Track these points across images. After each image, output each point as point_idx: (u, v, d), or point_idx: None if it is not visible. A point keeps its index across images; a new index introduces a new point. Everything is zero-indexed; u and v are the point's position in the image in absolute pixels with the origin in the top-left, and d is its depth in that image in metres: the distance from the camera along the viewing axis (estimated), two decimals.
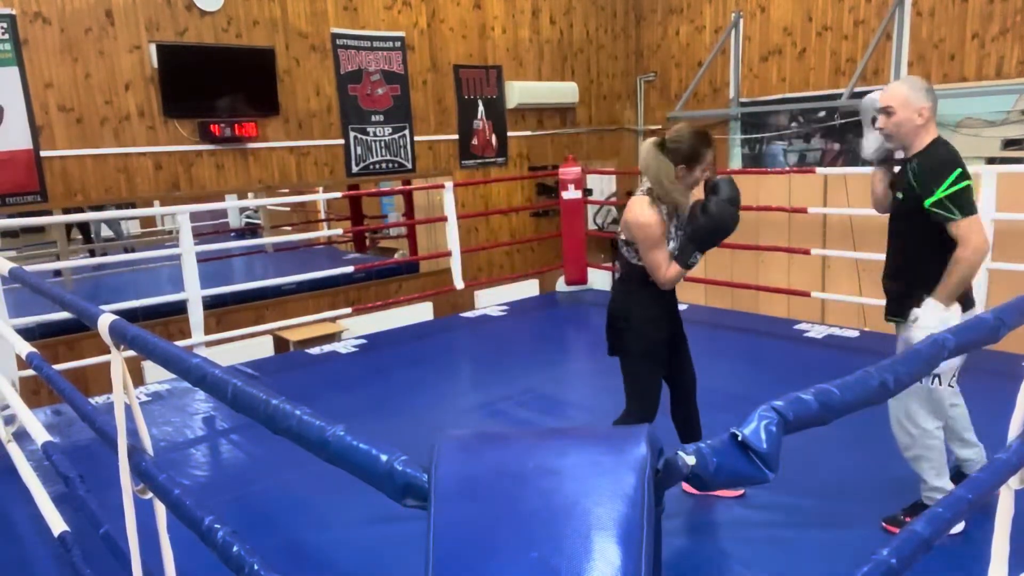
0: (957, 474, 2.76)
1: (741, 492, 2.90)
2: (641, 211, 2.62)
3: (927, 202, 2.39)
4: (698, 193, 2.73)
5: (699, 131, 2.65)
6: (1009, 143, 5.73)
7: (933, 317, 2.42)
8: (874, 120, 2.56)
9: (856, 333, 4.98)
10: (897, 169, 2.65)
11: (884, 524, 2.64)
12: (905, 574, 1.06)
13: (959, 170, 2.37)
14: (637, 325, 2.77)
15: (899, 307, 2.59)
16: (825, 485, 2.95)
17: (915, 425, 2.54)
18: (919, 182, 2.41)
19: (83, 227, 9.85)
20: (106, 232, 10.33)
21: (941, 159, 2.41)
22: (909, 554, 1.08)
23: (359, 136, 6.23)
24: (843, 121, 6.70)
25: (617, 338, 2.86)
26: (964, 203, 2.36)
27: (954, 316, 2.43)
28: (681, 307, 6.39)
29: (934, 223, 2.41)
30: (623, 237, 2.74)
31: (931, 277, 2.45)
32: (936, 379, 2.50)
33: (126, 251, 9.54)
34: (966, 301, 2.54)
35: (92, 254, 9.69)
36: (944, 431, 2.62)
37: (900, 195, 2.52)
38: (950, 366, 2.48)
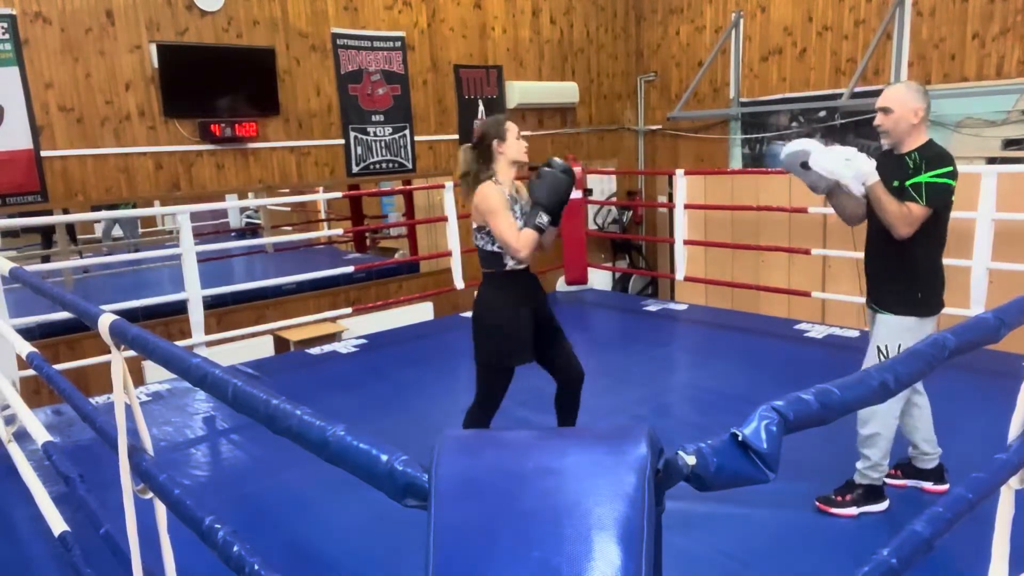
0: (907, 465, 2.91)
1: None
2: (482, 188, 2.80)
3: (910, 181, 2.55)
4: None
5: (494, 116, 2.99)
6: (1009, 143, 5.73)
7: (857, 159, 2.57)
8: (804, 165, 2.70)
9: (856, 333, 4.98)
10: (875, 164, 2.72)
11: (818, 504, 2.77)
12: (905, 574, 1.06)
13: (952, 167, 2.55)
14: (490, 321, 2.86)
15: (894, 302, 2.71)
16: (826, 486, 2.94)
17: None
18: (916, 166, 2.57)
19: (68, 228, 9.78)
20: (116, 232, 10.34)
21: (941, 153, 2.59)
22: (909, 554, 1.08)
23: (359, 136, 6.23)
24: (843, 121, 6.70)
25: (476, 339, 2.94)
26: (934, 196, 2.54)
27: (852, 178, 2.57)
28: (681, 307, 6.40)
29: (932, 222, 2.57)
30: (475, 226, 2.86)
31: (912, 267, 2.63)
32: (884, 358, 2.64)
33: (135, 250, 9.54)
34: (933, 303, 2.69)
35: (80, 255, 9.67)
36: (912, 424, 2.79)
37: (896, 183, 2.61)
38: (904, 341, 2.61)
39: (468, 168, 2.89)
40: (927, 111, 2.61)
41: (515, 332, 2.83)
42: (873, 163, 2.60)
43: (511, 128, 2.89)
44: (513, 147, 2.86)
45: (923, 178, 2.54)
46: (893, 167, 2.63)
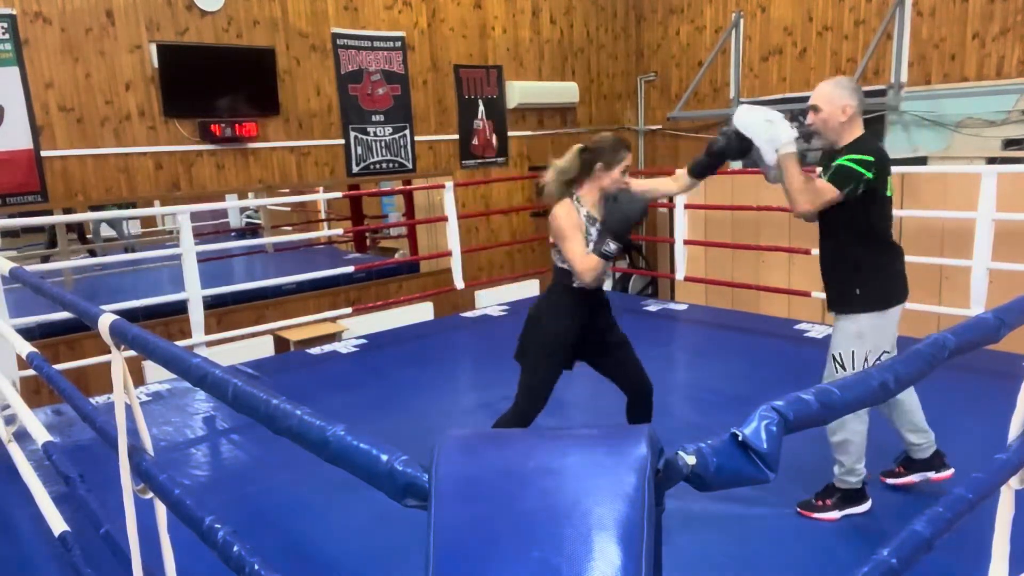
0: (907, 459, 2.86)
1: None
2: (557, 208, 2.75)
3: (840, 160, 2.52)
4: None
5: (619, 138, 2.81)
6: (1009, 143, 5.72)
7: (783, 122, 2.60)
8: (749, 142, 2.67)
9: None
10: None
11: (799, 509, 2.75)
12: (905, 574, 1.06)
13: (871, 158, 2.51)
14: (545, 326, 2.83)
15: (836, 301, 2.70)
16: (824, 485, 2.94)
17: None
18: (841, 158, 2.55)
19: (77, 228, 9.83)
20: (107, 232, 10.34)
21: (868, 144, 2.57)
22: (909, 554, 1.08)
23: (359, 136, 6.23)
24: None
25: (523, 338, 2.91)
26: (839, 176, 2.51)
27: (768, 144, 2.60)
28: (681, 307, 6.39)
29: (854, 215, 2.55)
30: (551, 239, 2.82)
31: (860, 267, 2.60)
32: (839, 366, 2.62)
33: (127, 251, 9.54)
34: (894, 292, 2.65)
35: (92, 254, 9.69)
36: (894, 416, 2.76)
37: (823, 175, 2.61)
38: (861, 352, 2.59)
39: (563, 175, 2.78)
40: (858, 107, 2.59)
41: (559, 338, 2.80)
42: (794, 133, 2.59)
43: (623, 161, 2.75)
44: (611, 180, 2.75)
45: (839, 161, 2.52)
46: (830, 163, 2.62)
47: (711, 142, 2.75)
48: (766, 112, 2.61)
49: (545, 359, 2.85)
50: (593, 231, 2.76)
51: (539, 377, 2.88)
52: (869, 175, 2.50)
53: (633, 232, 2.75)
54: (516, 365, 2.93)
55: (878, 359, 2.59)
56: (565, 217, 2.71)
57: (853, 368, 2.59)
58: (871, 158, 2.50)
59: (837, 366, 2.64)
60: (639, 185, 2.85)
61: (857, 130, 2.61)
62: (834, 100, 2.59)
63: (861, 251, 2.61)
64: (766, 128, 2.57)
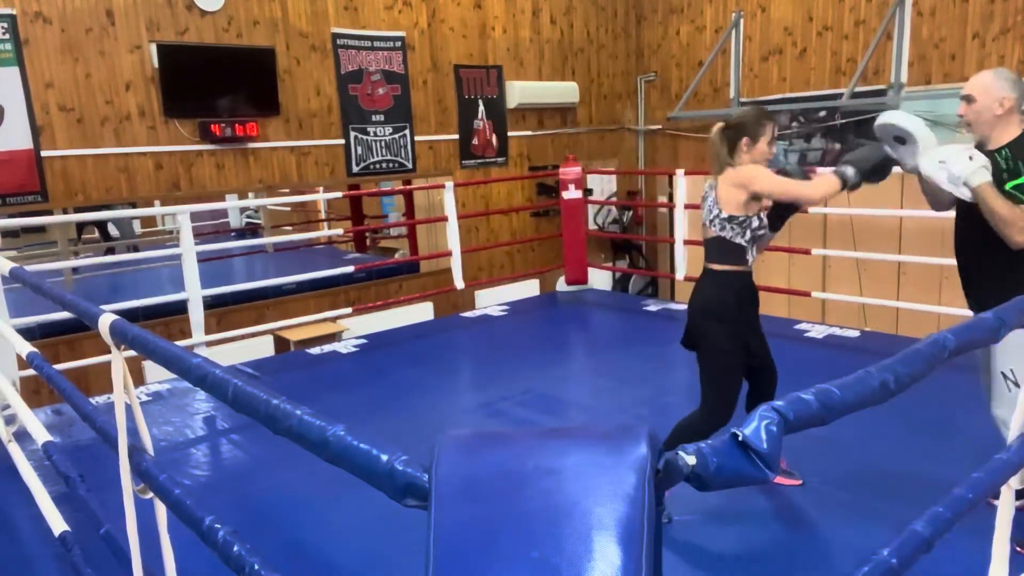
0: None
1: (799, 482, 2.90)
2: (736, 170, 2.65)
3: (1009, 184, 2.35)
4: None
5: (761, 108, 2.75)
6: None
7: (957, 157, 2.40)
8: (901, 140, 2.54)
9: (856, 333, 4.98)
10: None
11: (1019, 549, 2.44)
12: (905, 574, 1.06)
13: None
14: (722, 313, 2.71)
15: (978, 302, 2.56)
16: (824, 485, 2.94)
17: None
18: (1010, 169, 2.37)
19: (101, 226, 9.88)
20: (112, 231, 10.35)
21: None
22: (909, 554, 1.08)
23: (359, 136, 6.23)
24: (844, 121, 6.70)
25: (698, 329, 2.78)
26: None
27: (960, 178, 2.40)
28: (681, 307, 6.38)
29: None
30: (724, 215, 2.69)
31: (1006, 269, 2.42)
32: (1012, 384, 2.41)
33: (131, 250, 9.55)
34: None
35: (111, 252, 9.70)
36: None
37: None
38: None
39: (716, 153, 2.73)
40: (1018, 102, 2.39)
41: (741, 336, 2.72)
42: (978, 162, 2.36)
43: (767, 131, 2.67)
44: (760, 153, 2.67)
45: (1022, 180, 2.32)
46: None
47: (852, 153, 2.61)
48: (937, 153, 2.45)
49: (726, 352, 2.71)
50: (755, 218, 2.67)
51: (725, 373, 2.73)
52: None
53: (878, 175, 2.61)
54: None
55: None
56: (753, 164, 2.61)
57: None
58: None
59: (1010, 384, 2.44)
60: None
61: (1014, 128, 2.42)
62: (992, 91, 2.38)
63: None
64: (942, 169, 2.41)
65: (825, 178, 2.57)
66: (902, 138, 2.55)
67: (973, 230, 2.51)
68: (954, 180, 2.38)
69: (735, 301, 2.72)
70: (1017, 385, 2.43)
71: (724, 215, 2.70)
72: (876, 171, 2.60)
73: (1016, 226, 2.32)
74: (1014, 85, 2.40)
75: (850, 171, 2.53)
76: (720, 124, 2.74)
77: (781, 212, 2.80)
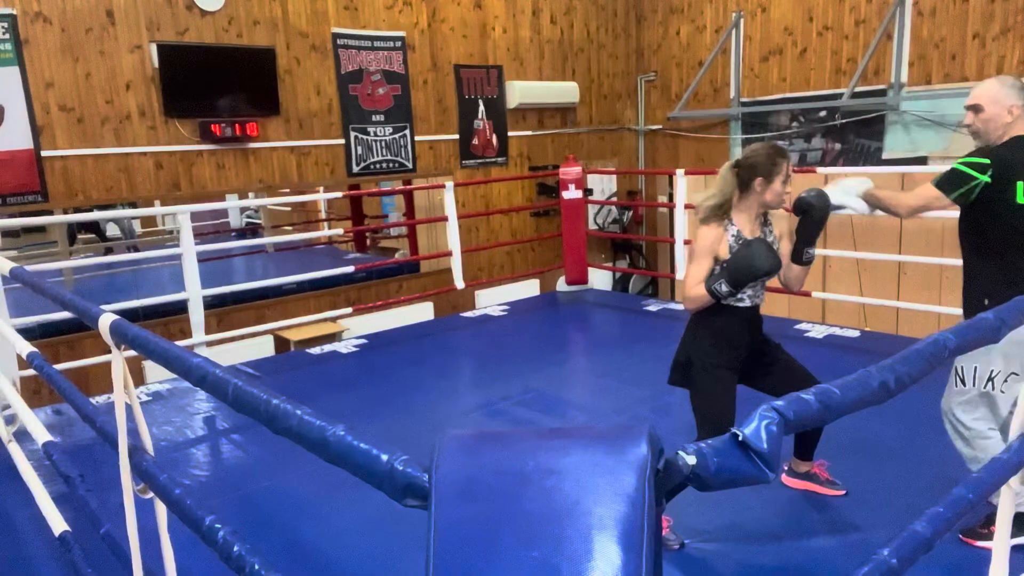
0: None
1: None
2: (700, 228, 2.62)
3: (955, 163, 2.40)
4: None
5: (774, 146, 2.64)
6: None
7: (851, 185, 2.59)
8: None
9: (856, 333, 4.98)
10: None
11: (961, 536, 2.49)
12: (905, 574, 1.06)
13: (986, 160, 2.34)
14: (698, 353, 2.67)
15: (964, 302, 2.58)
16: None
17: (964, 426, 2.49)
18: (971, 155, 2.40)
19: (95, 227, 9.88)
20: (111, 231, 10.36)
21: (994, 148, 2.39)
22: (909, 554, 1.08)
23: (360, 136, 6.23)
24: (844, 121, 6.70)
25: (679, 365, 2.77)
26: (946, 178, 2.41)
27: (851, 201, 2.61)
28: (681, 307, 6.37)
29: (977, 221, 2.43)
30: None
31: (981, 275, 2.45)
32: (960, 381, 2.45)
33: (130, 250, 9.55)
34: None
35: (109, 252, 9.71)
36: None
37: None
38: (981, 363, 2.39)
39: (718, 198, 2.60)
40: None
41: (719, 357, 2.66)
42: (855, 181, 2.58)
43: (782, 170, 2.58)
44: (773, 193, 2.59)
45: (956, 163, 2.37)
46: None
47: (731, 268, 2.56)
48: (832, 187, 2.66)
49: (711, 380, 2.66)
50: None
51: (711, 399, 2.66)
52: (980, 178, 2.33)
53: (755, 282, 2.58)
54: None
55: (1005, 381, 2.39)
56: (701, 238, 2.59)
57: (974, 386, 2.42)
58: (986, 160, 2.33)
59: (957, 379, 2.47)
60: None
61: (1017, 130, 2.40)
62: (1000, 100, 2.37)
63: (987, 263, 2.44)
64: (844, 197, 2.60)
65: (697, 289, 2.56)
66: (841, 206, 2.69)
67: (963, 224, 2.58)
68: (848, 194, 2.58)
69: (711, 344, 2.65)
70: (963, 383, 2.46)
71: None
72: (752, 276, 2.50)
73: (900, 204, 2.56)
74: (1020, 92, 2.39)
75: (723, 289, 2.50)
76: (731, 162, 2.64)
77: (804, 239, 2.71)
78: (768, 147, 2.61)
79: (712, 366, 2.64)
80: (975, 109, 2.43)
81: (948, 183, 2.41)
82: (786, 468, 2.94)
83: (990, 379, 2.39)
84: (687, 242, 6.12)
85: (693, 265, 2.59)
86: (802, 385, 2.79)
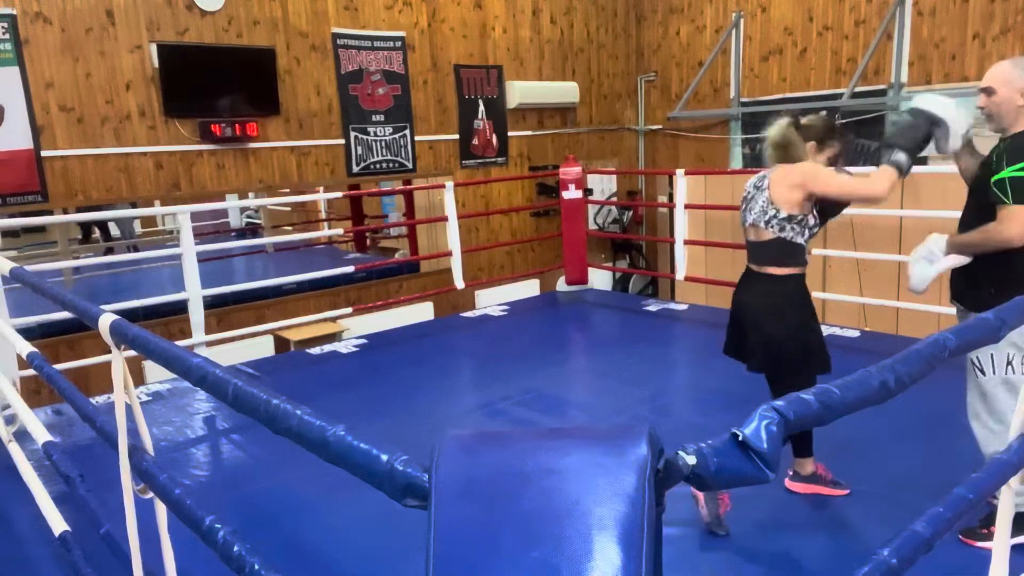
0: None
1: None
2: (794, 166, 2.56)
3: (993, 178, 2.34)
4: None
5: (834, 120, 2.67)
6: None
7: (928, 248, 2.46)
8: (936, 123, 2.51)
9: (856, 333, 4.98)
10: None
11: (960, 537, 2.49)
12: (905, 574, 1.06)
13: None
14: (792, 323, 2.62)
15: (956, 293, 2.59)
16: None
17: (996, 420, 2.46)
18: (998, 158, 2.37)
19: (100, 226, 9.89)
20: (112, 231, 10.38)
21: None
22: (909, 554, 1.08)
23: (360, 136, 6.23)
24: (844, 121, 6.70)
25: (760, 332, 2.67)
26: (1021, 190, 2.30)
27: (943, 261, 2.48)
28: (681, 307, 6.39)
29: (992, 204, 2.37)
30: (783, 214, 2.61)
31: (990, 262, 2.41)
32: (979, 371, 2.45)
33: (130, 250, 9.55)
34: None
35: (110, 252, 9.71)
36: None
37: (981, 172, 2.46)
38: (997, 352, 2.39)
39: (785, 147, 2.61)
40: None
41: (820, 347, 2.62)
42: (939, 240, 2.44)
43: (836, 147, 2.62)
44: (819, 160, 2.61)
45: (1005, 174, 2.30)
46: (992, 150, 2.45)
47: (896, 133, 2.51)
48: (936, 248, 2.50)
49: (807, 365, 2.61)
50: (808, 215, 2.57)
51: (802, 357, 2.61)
52: None
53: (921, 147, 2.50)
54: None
55: (1023, 364, 2.40)
56: (812, 163, 2.51)
57: (994, 373, 2.43)
58: None
59: (976, 371, 2.48)
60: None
61: None
62: (1013, 82, 2.35)
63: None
64: (930, 255, 2.48)
65: (883, 171, 2.46)
66: (936, 121, 2.52)
67: (971, 201, 2.54)
68: (956, 126, 2.44)
69: (802, 303, 2.66)
70: (983, 372, 2.45)
71: (783, 215, 2.62)
72: (920, 146, 2.52)
73: (1003, 233, 2.32)
74: None
75: (903, 157, 2.44)
76: (788, 119, 2.63)
77: (826, 210, 2.72)
78: (831, 121, 2.64)
79: (811, 340, 2.59)
80: (988, 92, 2.41)
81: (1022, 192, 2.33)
82: (790, 473, 2.89)
83: (1008, 363, 2.40)
84: (687, 242, 6.11)
85: (839, 178, 2.50)
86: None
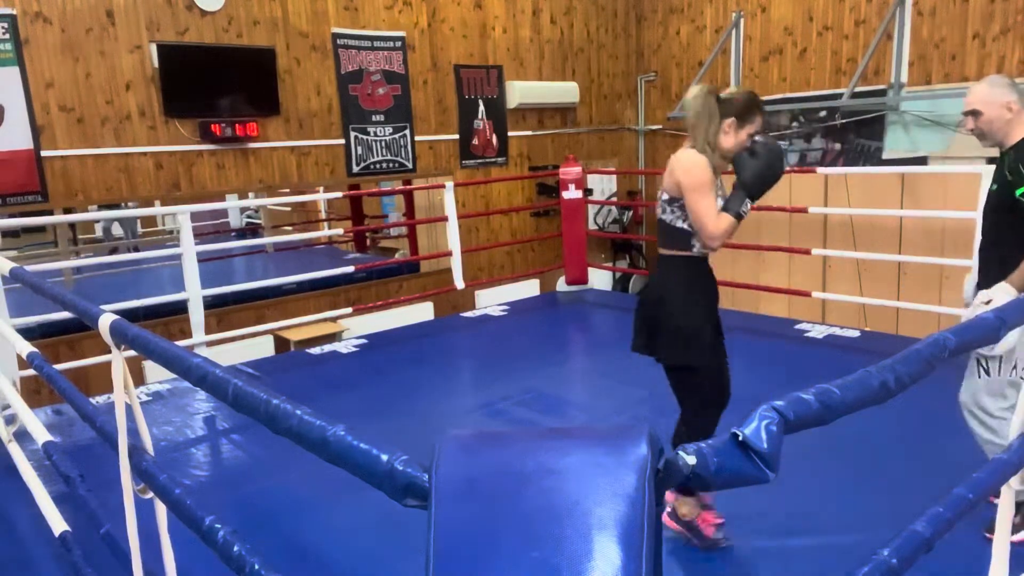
0: None
1: None
2: (689, 156, 2.41)
3: (1019, 191, 2.37)
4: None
5: (756, 94, 2.52)
6: None
7: (1003, 298, 2.38)
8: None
9: (857, 333, 4.98)
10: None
11: (986, 534, 2.47)
12: (905, 574, 1.06)
13: None
14: (681, 307, 2.48)
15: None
16: (827, 486, 2.95)
17: (990, 414, 2.49)
18: (1012, 172, 2.40)
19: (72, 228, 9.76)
20: (116, 231, 10.37)
21: None
22: (909, 554, 1.08)
23: (360, 136, 6.23)
24: (844, 121, 6.70)
25: (655, 329, 2.54)
26: None
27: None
28: None
29: (1020, 213, 2.39)
30: (665, 196, 2.50)
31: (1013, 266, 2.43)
32: (984, 371, 2.46)
33: (131, 250, 9.54)
34: None
35: (114, 251, 9.70)
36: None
37: (995, 186, 2.49)
38: (1004, 354, 2.39)
39: (696, 117, 2.42)
40: (1020, 99, 2.43)
41: (702, 333, 2.49)
42: (1009, 292, 2.34)
43: (756, 123, 2.44)
44: (739, 142, 2.43)
45: None
46: (996, 167, 2.48)
47: (755, 178, 2.41)
48: (1007, 297, 2.35)
49: (694, 348, 2.48)
50: (718, 189, 2.44)
51: (700, 371, 2.51)
52: None
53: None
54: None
55: None
56: (701, 169, 2.36)
57: (999, 375, 2.44)
58: None
59: (980, 370, 2.49)
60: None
61: (1022, 125, 2.46)
62: (995, 100, 2.44)
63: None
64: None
65: (725, 218, 2.38)
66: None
67: (993, 218, 2.53)
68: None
69: (687, 287, 2.51)
70: (987, 373, 2.46)
71: (665, 196, 2.52)
72: (771, 183, 2.42)
73: None
74: (1011, 87, 2.45)
75: (747, 206, 2.37)
76: (706, 86, 2.47)
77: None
78: (751, 94, 2.48)
79: (706, 333, 2.48)
80: (974, 114, 2.49)
81: None
82: (668, 510, 2.66)
83: (1014, 367, 2.43)
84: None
85: (705, 199, 2.36)
86: (727, 387, 2.62)
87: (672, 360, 2.56)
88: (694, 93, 2.46)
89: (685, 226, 2.46)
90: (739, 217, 2.39)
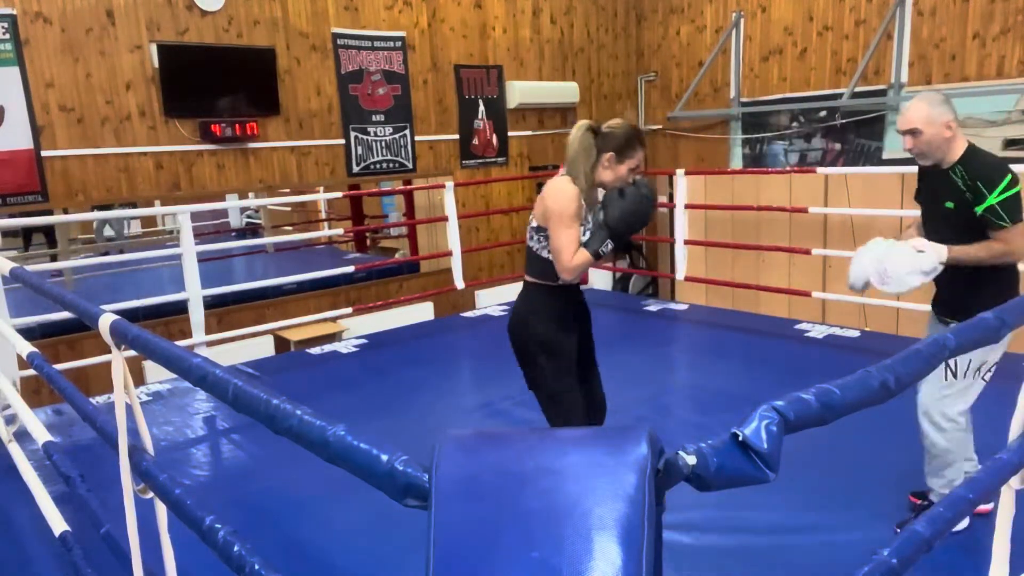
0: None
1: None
2: (560, 184, 2.40)
3: (979, 208, 2.41)
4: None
5: (637, 128, 2.52)
6: (1010, 143, 5.72)
7: (933, 255, 2.44)
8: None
9: (857, 333, 4.98)
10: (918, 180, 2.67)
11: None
12: (905, 574, 1.06)
13: (1009, 176, 2.40)
14: (542, 331, 2.50)
15: (950, 310, 2.61)
16: (828, 487, 2.95)
17: (948, 419, 2.52)
18: (970, 189, 2.43)
19: (46, 232, 9.50)
20: (107, 232, 10.35)
21: (990, 164, 2.45)
22: (910, 554, 1.08)
23: (360, 136, 6.23)
24: (844, 121, 6.70)
25: (523, 352, 2.60)
26: (1013, 209, 2.40)
27: (934, 273, 2.46)
28: (681, 307, 6.38)
29: (982, 228, 2.43)
30: (534, 224, 2.48)
31: (982, 282, 2.48)
32: (952, 374, 2.49)
33: (119, 251, 9.52)
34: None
35: (107, 253, 9.67)
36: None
37: (951, 204, 2.50)
38: (975, 357, 2.42)
39: (583, 157, 2.45)
40: (956, 117, 2.46)
41: (562, 358, 2.52)
42: (939, 251, 2.41)
43: (636, 157, 2.44)
44: (619, 177, 2.44)
45: (991, 200, 2.38)
46: (940, 184, 2.51)
47: (621, 221, 2.40)
48: (934, 256, 2.43)
49: (557, 374, 2.53)
50: (589, 219, 2.44)
51: (561, 394, 2.55)
52: (1020, 187, 2.39)
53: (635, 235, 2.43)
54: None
55: (990, 371, 2.49)
56: (571, 199, 2.34)
57: (964, 378, 2.48)
58: (1011, 175, 2.38)
59: (948, 373, 2.50)
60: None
61: (960, 143, 2.49)
62: (934, 119, 2.44)
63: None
64: (924, 277, 2.43)
65: (582, 255, 2.38)
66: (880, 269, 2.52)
67: (950, 234, 2.53)
68: (932, 271, 2.42)
69: (548, 315, 2.51)
70: (955, 376, 2.48)
71: (533, 224, 2.50)
72: (636, 227, 2.43)
73: (1011, 252, 2.41)
74: (948, 105, 2.46)
75: (608, 247, 2.36)
76: (586, 123, 2.49)
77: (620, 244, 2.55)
78: (632, 128, 2.48)
79: (567, 358, 2.50)
80: (913, 133, 2.48)
81: (1017, 211, 2.41)
82: None
83: (978, 369, 2.47)
84: (687, 242, 6.11)
85: (568, 230, 2.33)
86: (602, 400, 2.72)
87: (533, 385, 2.62)
88: (575, 129, 2.50)
89: (549, 256, 2.45)
90: (597, 256, 2.39)
